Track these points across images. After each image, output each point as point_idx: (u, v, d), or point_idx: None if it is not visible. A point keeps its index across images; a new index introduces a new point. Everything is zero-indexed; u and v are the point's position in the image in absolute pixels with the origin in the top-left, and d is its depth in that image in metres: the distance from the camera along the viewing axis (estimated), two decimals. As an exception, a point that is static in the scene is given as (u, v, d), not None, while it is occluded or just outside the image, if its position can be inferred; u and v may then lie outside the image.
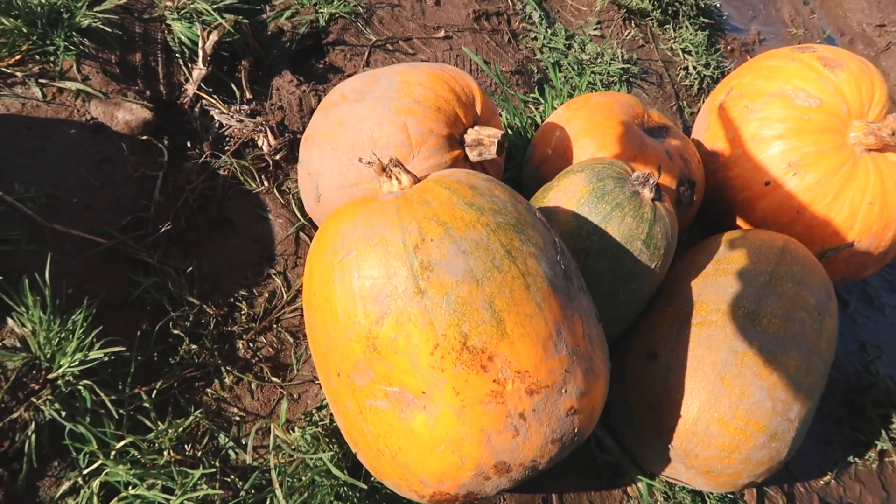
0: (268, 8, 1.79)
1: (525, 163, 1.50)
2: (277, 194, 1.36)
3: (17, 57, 1.35)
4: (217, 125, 1.46)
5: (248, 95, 1.56)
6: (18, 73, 1.32)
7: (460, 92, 1.17)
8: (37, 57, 1.37)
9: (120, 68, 1.42)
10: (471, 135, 1.16)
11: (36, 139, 1.20)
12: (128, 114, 1.30)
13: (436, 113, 1.12)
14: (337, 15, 1.82)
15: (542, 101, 1.80)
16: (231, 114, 1.47)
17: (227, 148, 1.41)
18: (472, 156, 1.17)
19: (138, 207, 1.18)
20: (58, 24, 1.39)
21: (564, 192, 1.16)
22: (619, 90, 1.99)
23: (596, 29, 2.20)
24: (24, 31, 1.36)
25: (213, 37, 1.52)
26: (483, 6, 2.05)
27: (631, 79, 2.06)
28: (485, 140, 1.15)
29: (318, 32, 1.78)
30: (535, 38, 2.07)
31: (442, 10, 2.01)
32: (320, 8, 1.82)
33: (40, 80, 1.32)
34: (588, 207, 1.11)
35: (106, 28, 1.41)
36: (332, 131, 1.17)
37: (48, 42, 1.37)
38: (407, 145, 1.12)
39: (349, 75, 1.74)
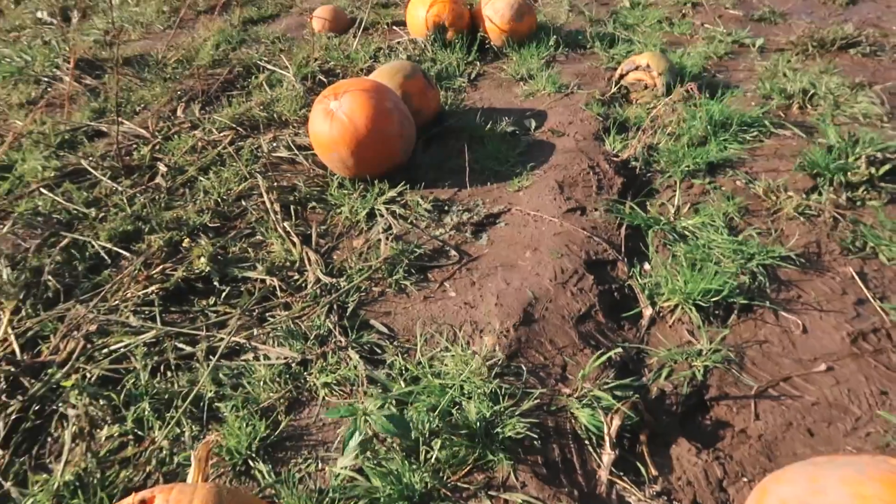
0: (645, 370, 1.93)
1: None
2: None
3: (466, 469, 1.60)
4: (638, 513, 1.53)
5: (653, 472, 1.63)
6: (470, 487, 1.55)
7: (927, 498, 1.10)
8: (480, 464, 1.61)
9: (545, 467, 1.60)
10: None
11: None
12: (567, 521, 1.44)
13: (910, 531, 1.06)
14: (711, 366, 1.89)
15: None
16: (647, 500, 1.54)
17: (655, 543, 1.46)
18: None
19: None
20: (491, 436, 1.65)
21: None
22: None
23: None
24: (467, 444, 1.63)
25: (616, 421, 1.66)
26: (855, 325, 1.99)
27: None
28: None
29: (699, 389, 1.85)
30: (929, 350, 1.91)
31: (812, 337, 1.98)
32: (693, 361, 1.91)
33: (489, 493, 1.53)
34: None
35: (530, 433, 1.63)
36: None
37: (488, 453, 1.61)
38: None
39: (741, 430, 1.74)
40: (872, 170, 2.57)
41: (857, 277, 2.16)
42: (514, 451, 1.62)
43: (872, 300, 2.08)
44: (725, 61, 3.82)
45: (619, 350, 1.92)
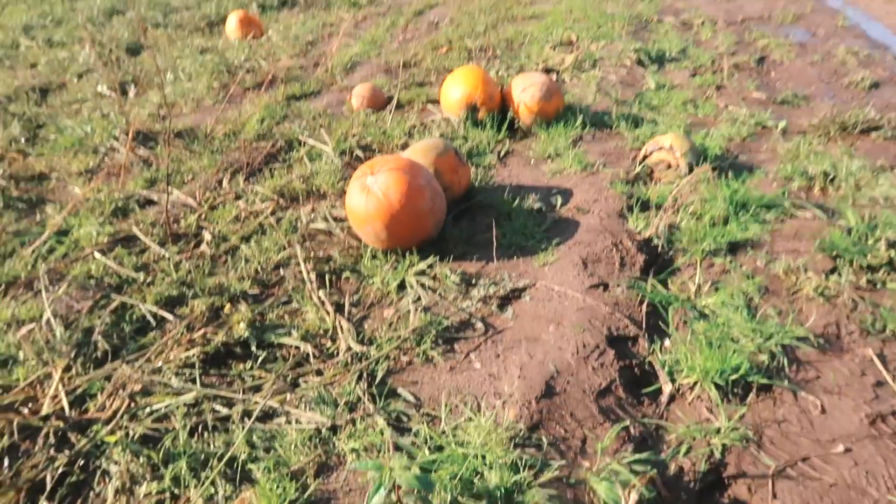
0: (664, 446, 1.98)
1: None
2: None
3: (485, 538, 1.65)
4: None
5: (670, 548, 1.67)
6: (489, 555, 1.60)
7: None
8: (498, 534, 1.67)
9: (563, 539, 1.65)
10: None
11: None
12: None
13: None
14: (729, 444, 1.93)
15: None
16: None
17: None
18: None
19: None
20: (512, 505, 1.70)
21: None
22: None
23: None
24: (488, 512, 1.69)
25: (634, 496, 1.71)
26: (875, 407, 2.02)
27: None
28: None
29: (717, 466, 1.89)
30: (948, 435, 1.93)
31: (829, 418, 2.01)
32: (711, 439, 1.95)
33: (507, 562, 1.58)
34: None
35: (549, 504, 1.69)
36: None
37: (507, 522, 1.67)
38: None
39: (758, 510, 1.77)
40: (892, 252, 2.62)
41: (876, 359, 2.19)
42: (533, 522, 1.67)
43: (891, 382, 2.11)
44: (748, 143, 3.94)
45: (634, 420, 1.98)
